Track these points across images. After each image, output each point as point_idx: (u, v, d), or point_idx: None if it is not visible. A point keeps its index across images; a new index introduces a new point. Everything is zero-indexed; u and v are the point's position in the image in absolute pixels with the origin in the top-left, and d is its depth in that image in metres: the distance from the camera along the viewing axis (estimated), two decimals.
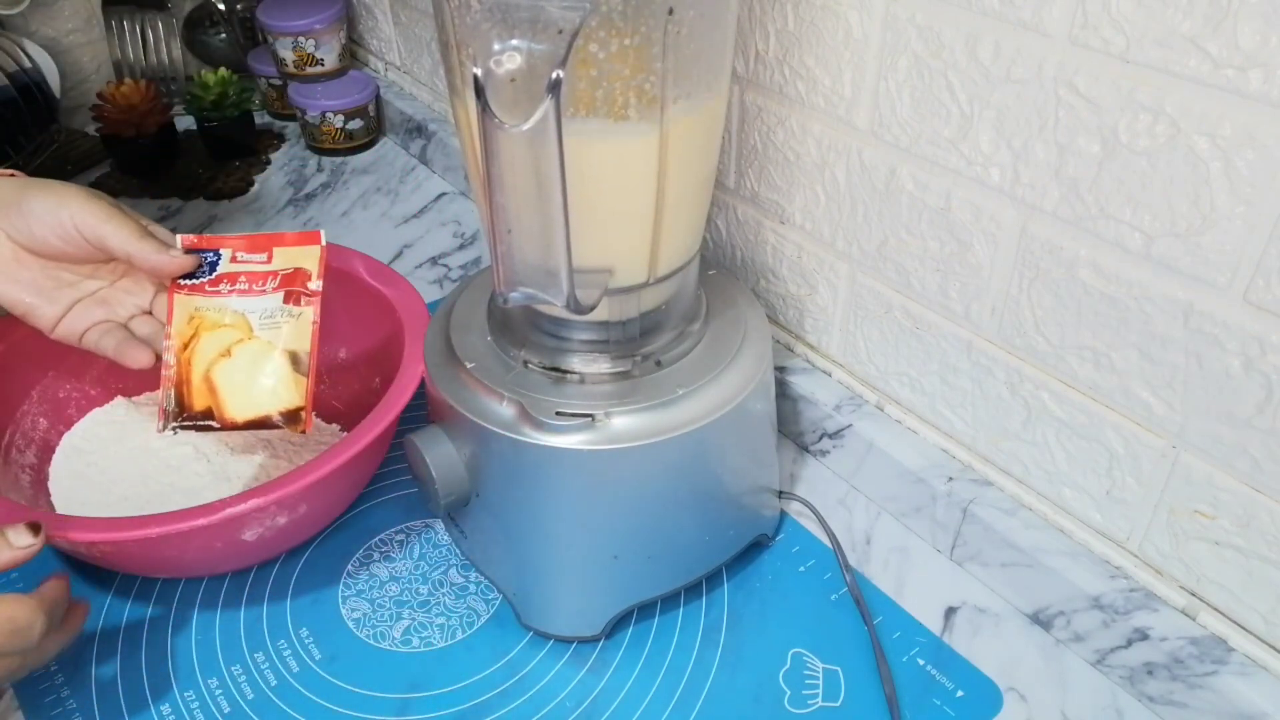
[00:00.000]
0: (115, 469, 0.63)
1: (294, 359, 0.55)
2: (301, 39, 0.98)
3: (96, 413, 0.67)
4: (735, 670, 0.54)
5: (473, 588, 0.59)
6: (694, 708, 0.53)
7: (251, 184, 0.97)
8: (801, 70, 0.57)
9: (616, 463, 0.50)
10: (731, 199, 0.67)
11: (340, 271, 0.68)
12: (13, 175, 0.55)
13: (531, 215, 0.42)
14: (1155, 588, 0.52)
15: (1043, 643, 0.55)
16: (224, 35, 1.08)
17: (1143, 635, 0.51)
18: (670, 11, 0.42)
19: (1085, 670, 0.54)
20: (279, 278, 0.56)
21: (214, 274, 0.56)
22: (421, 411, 0.59)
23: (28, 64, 0.97)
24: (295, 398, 0.55)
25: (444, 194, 0.96)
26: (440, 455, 0.53)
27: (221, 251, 0.57)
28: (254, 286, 0.56)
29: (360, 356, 0.69)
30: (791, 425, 0.67)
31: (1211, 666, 0.49)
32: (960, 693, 0.53)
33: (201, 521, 0.50)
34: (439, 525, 0.63)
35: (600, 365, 0.52)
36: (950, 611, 0.57)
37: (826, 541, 0.61)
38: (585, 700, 0.53)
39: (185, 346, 0.55)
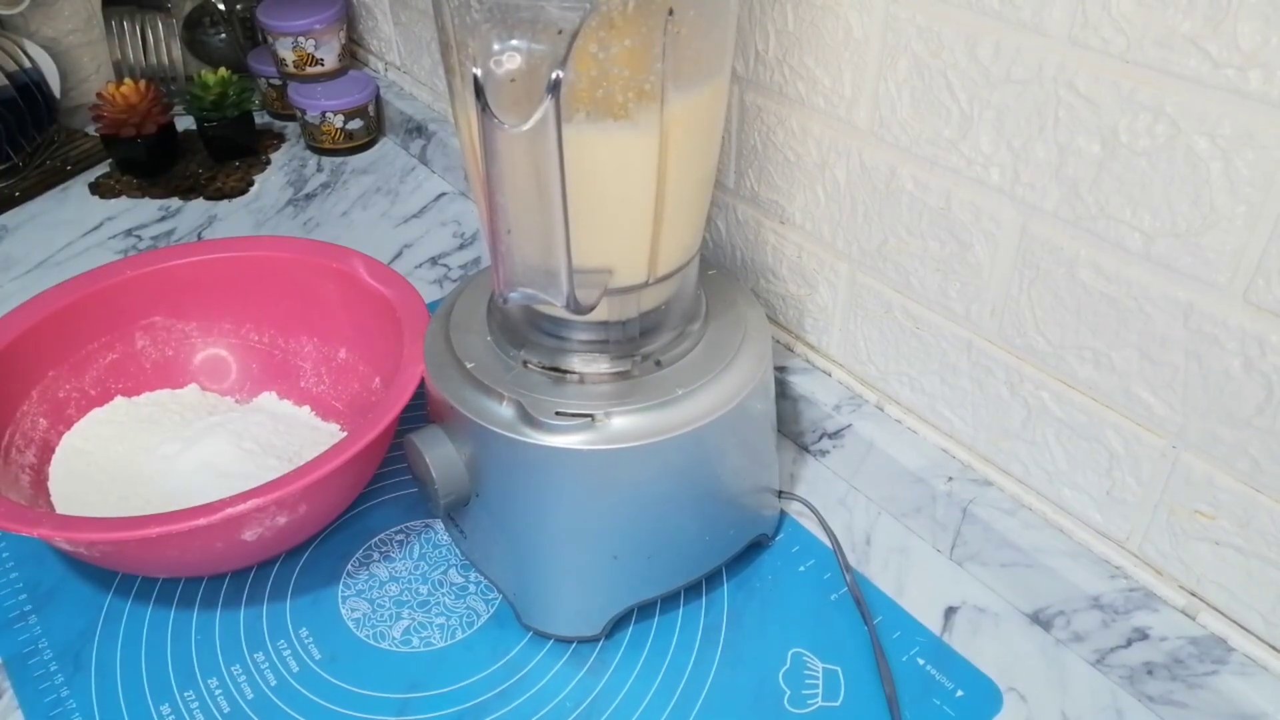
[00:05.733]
0: (115, 469, 0.63)
1: None
2: (301, 39, 0.98)
3: (96, 413, 0.67)
4: (735, 670, 0.54)
5: (473, 588, 0.59)
6: (694, 708, 0.53)
7: (251, 184, 0.97)
8: (801, 70, 0.57)
9: (616, 463, 0.50)
10: (731, 199, 0.67)
11: (340, 271, 0.68)
12: None
13: (531, 215, 0.42)
14: (1155, 588, 0.52)
15: (1043, 643, 0.55)
16: (224, 35, 1.08)
17: (1143, 635, 0.51)
18: (670, 12, 0.42)
19: (1085, 670, 0.54)
20: None
21: None
22: (421, 411, 0.59)
23: (28, 64, 0.97)
24: None
25: (444, 194, 0.96)
26: (440, 455, 0.53)
27: None
28: None
29: (360, 356, 0.69)
30: (791, 425, 0.67)
31: (1211, 666, 0.49)
32: (960, 693, 0.53)
33: (201, 521, 0.50)
34: (439, 525, 0.63)
35: (600, 365, 0.52)
36: (950, 611, 0.57)
37: (826, 541, 0.61)
38: (585, 700, 0.53)
39: None
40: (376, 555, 0.61)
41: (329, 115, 0.98)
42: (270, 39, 0.99)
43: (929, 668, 0.54)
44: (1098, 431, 0.52)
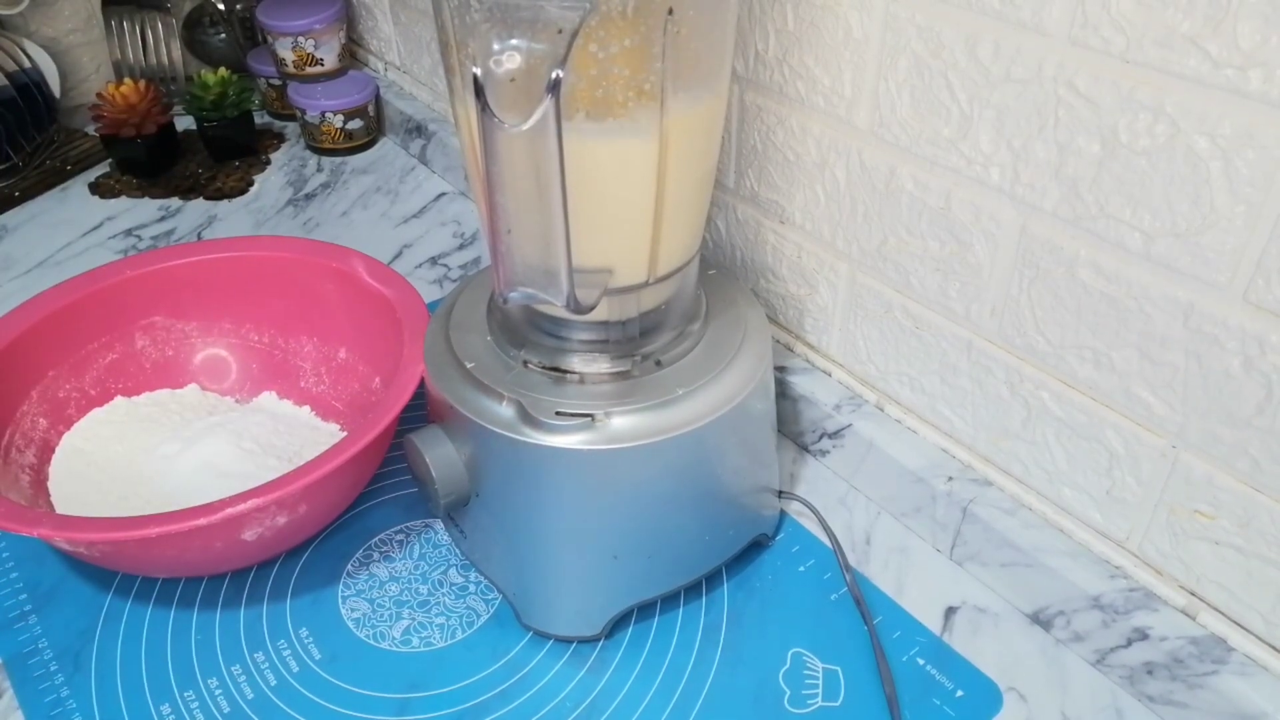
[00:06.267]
0: (115, 469, 0.63)
1: None
2: (301, 39, 0.98)
3: (96, 413, 0.67)
4: (735, 670, 0.54)
5: (473, 588, 0.59)
6: (694, 708, 0.53)
7: (251, 184, 0.97)
8: (801, 70, 0.57)
9: (616, 463, 0.50)
10: (731, 199, 0.67)
11: (340, 271, 0.68)
12: None
13: (531, 215, 0.42)
14: (1155, 587, 0.52)
15: (1043, 642, 0.55)
16: (224, 35, 1.08)
17: (1143, 635, 0.51)
18: (670, 11, 0.42)
19: (1085, 670, 0.54)
20: None
21: None
22: (421, 411, 0.59)
23: (27, 64, 0.97)
24: None
25: (444, 194, 0.96)
26: (440, 455, 0.53)
27: None
28: None
29: (360, 356, 0.69)
30: (791, 425, 0.67)
31: (1211, 666, 0.49)
32: (960, 693, 0.53)
33: (201, 521, 0.50)
34: (439, 525, 0.63)
35: (600, 365, 0.52)
36: (950, 611, 0.57)
37: (826, 541, 0.61)
38: (585, 700, 0.53)
39: None
40: (376, 555, 0.61)
41: (329, 115, 0.98)
42: (270, 39, 0.99)
43: (929, 668, 0.54)
44: (1098, 431, 0.52)
